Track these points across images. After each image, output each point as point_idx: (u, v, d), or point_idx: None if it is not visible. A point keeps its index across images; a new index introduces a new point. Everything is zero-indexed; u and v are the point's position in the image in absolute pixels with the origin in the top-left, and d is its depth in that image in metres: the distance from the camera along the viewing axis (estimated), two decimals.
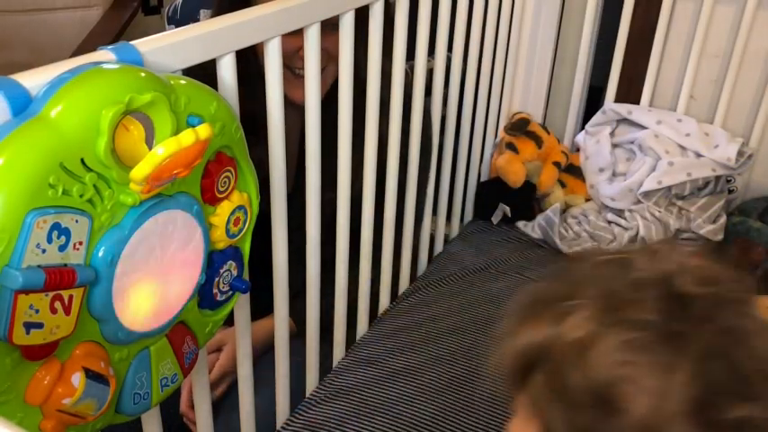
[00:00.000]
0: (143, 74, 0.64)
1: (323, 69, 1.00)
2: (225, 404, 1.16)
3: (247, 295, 0.96)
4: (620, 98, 1.63)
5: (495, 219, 1.59)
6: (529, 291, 0.57)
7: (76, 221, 0.60)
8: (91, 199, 0.61)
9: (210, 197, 0.76)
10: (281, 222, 0.97)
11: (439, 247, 1.53)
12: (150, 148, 0.64)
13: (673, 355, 0.48)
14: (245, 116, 0.85)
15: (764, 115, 1.50)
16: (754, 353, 0.49)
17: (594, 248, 1.42)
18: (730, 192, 1.54)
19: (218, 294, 0.81)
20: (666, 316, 0.49)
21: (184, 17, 1.69)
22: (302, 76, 0.96)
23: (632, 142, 1.58)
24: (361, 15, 1.03)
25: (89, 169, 0.60)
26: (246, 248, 0.85)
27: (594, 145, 1.59)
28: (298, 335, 1.19)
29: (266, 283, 1.03)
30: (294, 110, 1.06)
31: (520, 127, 1.59)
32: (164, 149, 0.62)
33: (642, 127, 1.57)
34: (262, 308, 1.11)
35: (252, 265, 0.89)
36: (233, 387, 1.12)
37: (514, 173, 1.56)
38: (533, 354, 0.52)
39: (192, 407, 1.14)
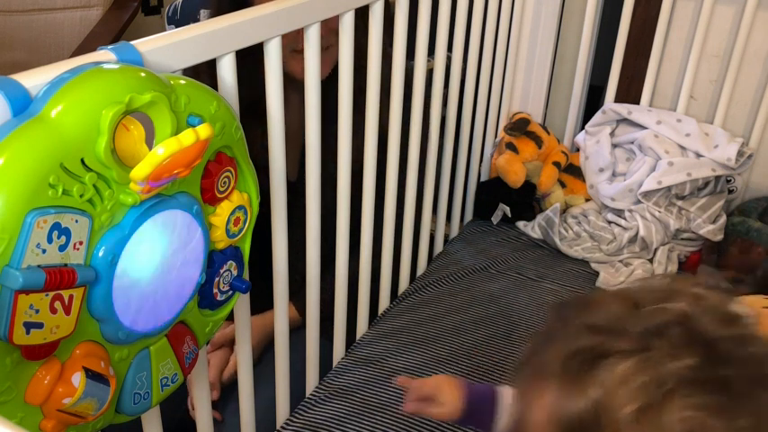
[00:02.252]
0: (143, 74, 0.64)
1: (328, 48, 0.97)
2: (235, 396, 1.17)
3: (247, 295, 0.96)
4: (620, 98, 1.63)
5: (495, 219, 1.59)
6: (546, 340, 0.56)
7: (76, 221, 0.60)
8: (91, 199, 0.61)
9: (210, 197, 0.76)
10: (280, 219, 0.97)
11: (439, 246, 1.53)
12: (150, 148, 0.64)
13: (729, 400, 0.49)
14: (247, 99, 0.83)
15: (764, 115, 1.50)
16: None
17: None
18: (730, 192, 1.54)
19: (219, 294, 0.81)
20: (706, 363, 0.50)
21: (184, 17, 1.69)
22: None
23: (632, 142, 1.58)
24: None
25: (89, 169, 0.60)
26: (246, 248, 0.85)
27: (594, 145, 1.59)
28: (302, 325, 1.18)
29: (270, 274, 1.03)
30: (297, 87, 1.02)
31: (520, 127, 1.59)
32: (164, 149, 0.62)
33: (642, 127, 1.57)
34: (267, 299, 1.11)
35: (254, 256, 0.88)
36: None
37: (514, 173, 1.56)
38: (580, 423, 0.51)
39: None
